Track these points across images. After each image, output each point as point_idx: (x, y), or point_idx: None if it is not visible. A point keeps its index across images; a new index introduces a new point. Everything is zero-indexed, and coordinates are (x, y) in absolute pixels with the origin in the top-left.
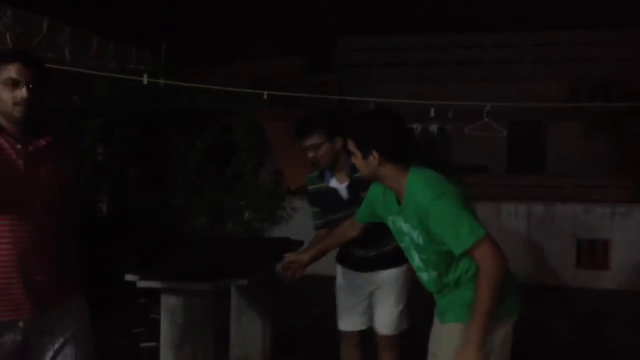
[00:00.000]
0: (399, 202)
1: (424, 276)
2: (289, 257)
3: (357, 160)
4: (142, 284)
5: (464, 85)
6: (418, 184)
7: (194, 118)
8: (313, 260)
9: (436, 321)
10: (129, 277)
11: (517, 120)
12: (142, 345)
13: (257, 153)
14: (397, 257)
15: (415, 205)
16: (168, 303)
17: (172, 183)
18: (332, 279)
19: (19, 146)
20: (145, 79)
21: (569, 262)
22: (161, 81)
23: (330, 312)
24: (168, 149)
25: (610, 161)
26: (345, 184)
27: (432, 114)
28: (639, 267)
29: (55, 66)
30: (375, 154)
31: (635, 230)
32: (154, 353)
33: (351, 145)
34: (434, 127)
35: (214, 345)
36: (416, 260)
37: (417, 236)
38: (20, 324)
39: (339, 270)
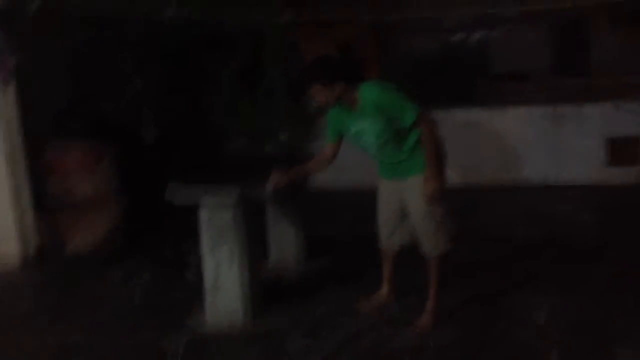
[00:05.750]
0: (352, 112)
1: (385, 154)
2: (273, 176)
3: (325, 94)
4: (178, 202)
5: None
6: (372, 90)
7: (224, 41)
8: (291, 180)
9: (393, 183)
10: (167, 197)
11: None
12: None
13: (291, 72)
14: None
15: (373, 103)
16: (204, 212)
17: (208, 106)
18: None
19: None
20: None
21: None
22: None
23: (362, 219)
24: (201, 74)
25: None
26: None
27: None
28: None
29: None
30: (339, 83)
31: None
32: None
33: (319, 88)
34: (473, 37)
35: (248, 250)
36: (375, 147)
37: (378, 124)
38: None
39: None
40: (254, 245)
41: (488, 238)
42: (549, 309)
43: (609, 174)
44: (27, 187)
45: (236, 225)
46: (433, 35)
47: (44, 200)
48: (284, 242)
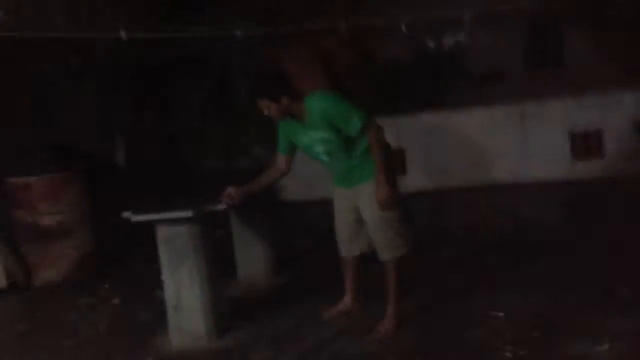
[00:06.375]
0: (302, 124)
1: (336, 163)
2: (228, 190)
3: (274, 109)
4: (136, 218)
5: None
6: (318, 101)
7: (192, 64)
8: (246, 194)
9: (346, 191)
10: (125, 215)
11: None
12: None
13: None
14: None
15: (319, 114)
16: (161, 232)
17: (176, 129)
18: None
19: None
20: (123, 35)
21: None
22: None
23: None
24: (170, 96)
25: None
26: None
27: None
28: None
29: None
30: (285, 98)
31: None
32: None
33: (265, 103)
34: (449, 40)
35: (208, 268)
36: (325, 156)
37: (327, 134)
38: None
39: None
40: (216, 262)
41: (453, 238)
42: (508, 308)
43: (575, 169)
44: None
45: (194, 243)
46: (409, 40)
47: (12, 231)
48: (252, 257)
